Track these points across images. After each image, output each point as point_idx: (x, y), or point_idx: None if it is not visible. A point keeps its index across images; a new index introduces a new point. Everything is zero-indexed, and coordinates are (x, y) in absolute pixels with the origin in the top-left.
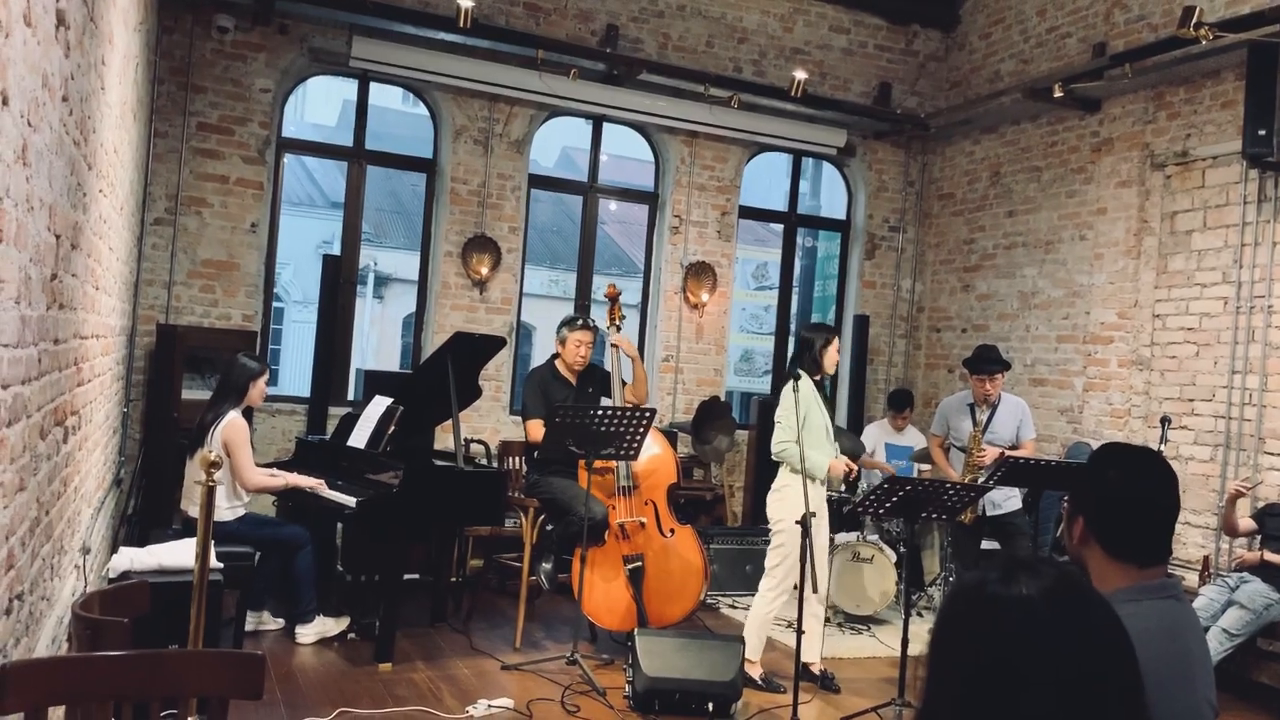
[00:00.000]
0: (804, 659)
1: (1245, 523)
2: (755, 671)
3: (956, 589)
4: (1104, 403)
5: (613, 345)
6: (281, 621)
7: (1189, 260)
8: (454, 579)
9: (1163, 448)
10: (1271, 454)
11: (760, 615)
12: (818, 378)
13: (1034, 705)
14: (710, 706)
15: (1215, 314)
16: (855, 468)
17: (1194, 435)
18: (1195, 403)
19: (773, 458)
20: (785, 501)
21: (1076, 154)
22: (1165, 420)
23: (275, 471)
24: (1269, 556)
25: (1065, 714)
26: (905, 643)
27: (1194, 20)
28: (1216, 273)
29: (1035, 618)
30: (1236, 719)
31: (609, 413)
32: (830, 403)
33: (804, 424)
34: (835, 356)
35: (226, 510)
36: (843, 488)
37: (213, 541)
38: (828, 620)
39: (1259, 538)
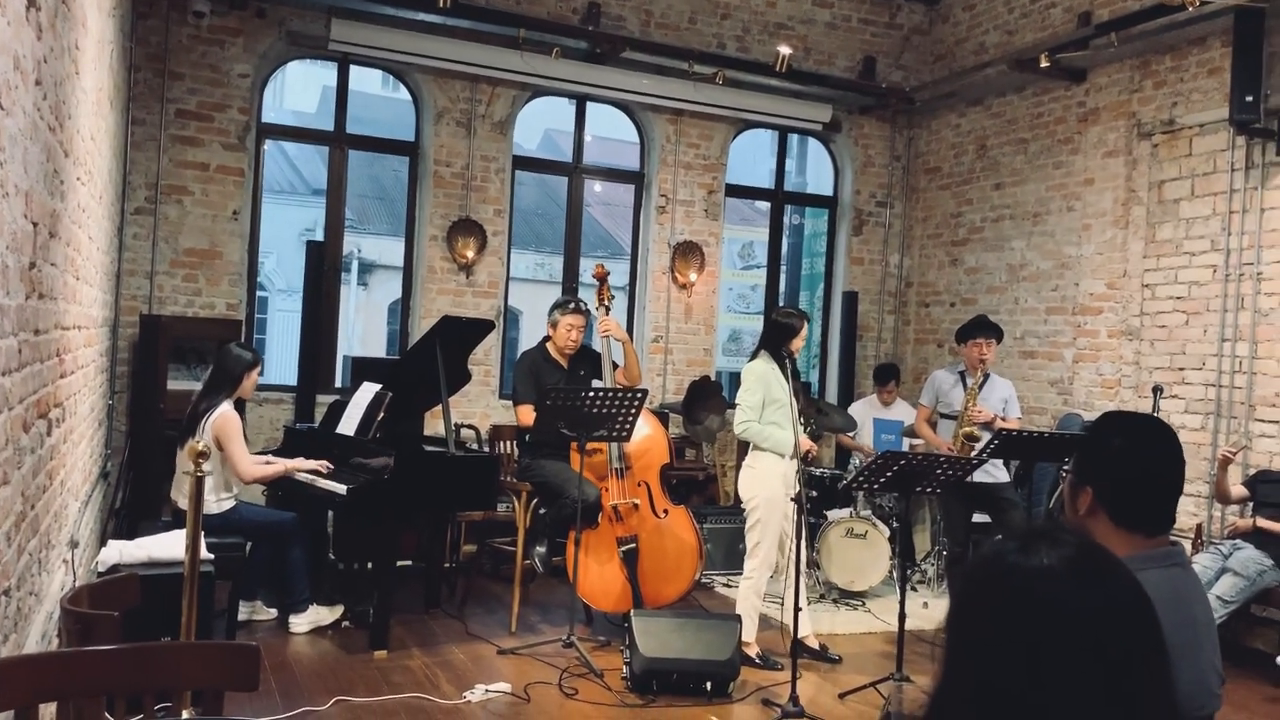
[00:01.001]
0: (799, 633)
1: (1237, 489)
2: (752, 651)
3: (975, 562)
4: (1094, 374)
5: (602, 332)
6: (275, 612)
7: (1177, 229)
8: (447, 565)
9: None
10: (1262, 421)
11: (749, 595)
12: (784, 358)
13: (1059, 675)
14: (708, 686)
15: (1204, 282)
16: (815, 447)
17: (1185, 404)
18: (1186, 371)
19: (737, 436)
20: (756, 479)
21: (1063, 125)
22: (1157, 390)
23: (271, 459)
24: (1262, 523)
25: (1092, 682)
26: (902, 618)
27: None
28: (1205, 241)
29: (1058, 587)
30: (1232, 685)
31: (601, 394)
32: (800, 379)
33: (766, 403)
34: (800, 343)
35: (216, 501)
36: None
37: (203, 532)
38: (823, 597)
39: (1251, 504)
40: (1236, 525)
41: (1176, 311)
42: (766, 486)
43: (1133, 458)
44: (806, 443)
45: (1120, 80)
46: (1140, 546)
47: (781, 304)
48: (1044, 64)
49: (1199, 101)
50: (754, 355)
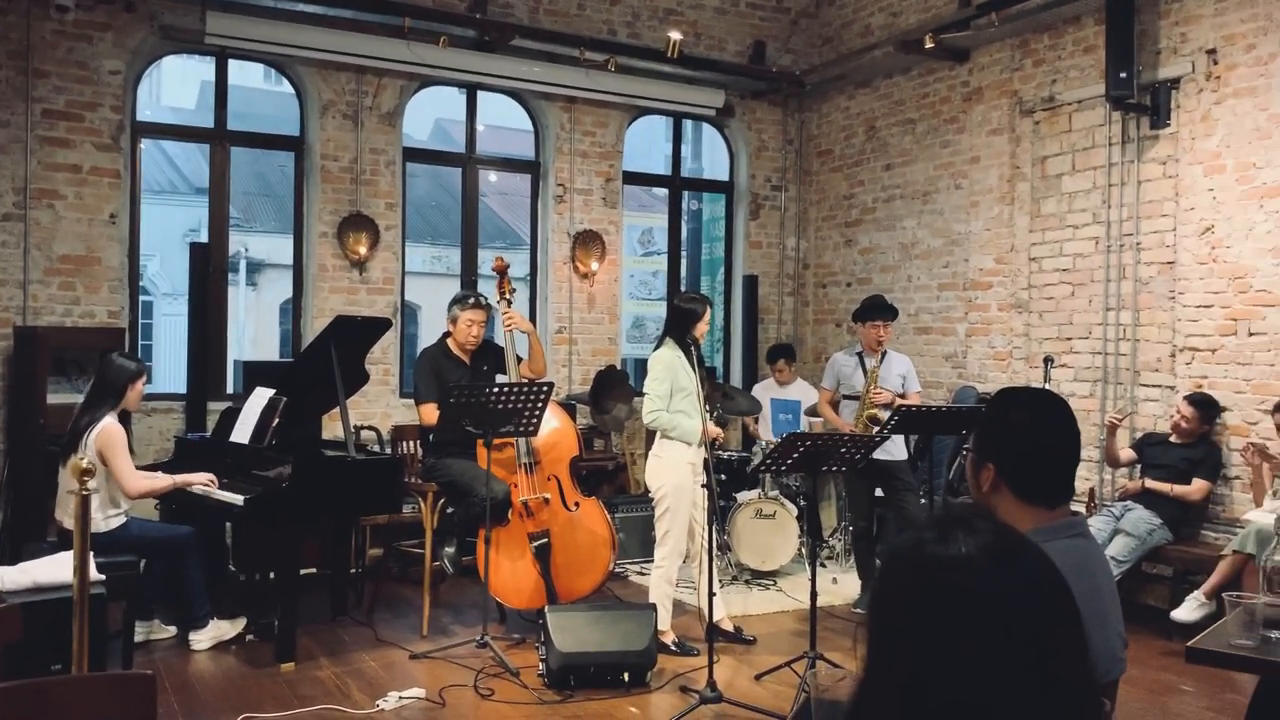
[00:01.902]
0: (714, 618)
1: (1125, 453)
2: (668, 639)
3: (894, 552)
4: (986, 346)
5: (505, 323)
6: (174, 629)
7: (1060, 203)
8: (353, 570)
9: (1047, 386)
10: (1146, 385)
11: (661, 584)
12: (689, 345)
13: (983, 661)
14: (626, 677)
15: (1087, 254)
16: (721, 433)
17: (1074, 373)
18: (1073, 341)
19: (647, 426)
20: (663, 468)
21: (948, 104)
22: (1048, 360)
23: (159, 475)
24: (1150, 484)
25: (1015, 664)
26: (813, 595)
27: None
28: (1087, 214)
29: (977, 575)
30: (1128, 641)
31: (505, 389)
32: (705, 365)
33: (674, 391)
34: (704, 327)
35: (104, 519)
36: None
37: (92, 553)
38: (735, 579)
39: (1139, 466)
40: (1126, 487)
41: (1063, 283)
42: (674, 475)
43: (1031, 432)
44: (714, 430)
45: (1002, 59)
46: (1044, 519)
47: (684, 289)
48: (928, 45)
49: (1076, 79)
50: (659, 343)
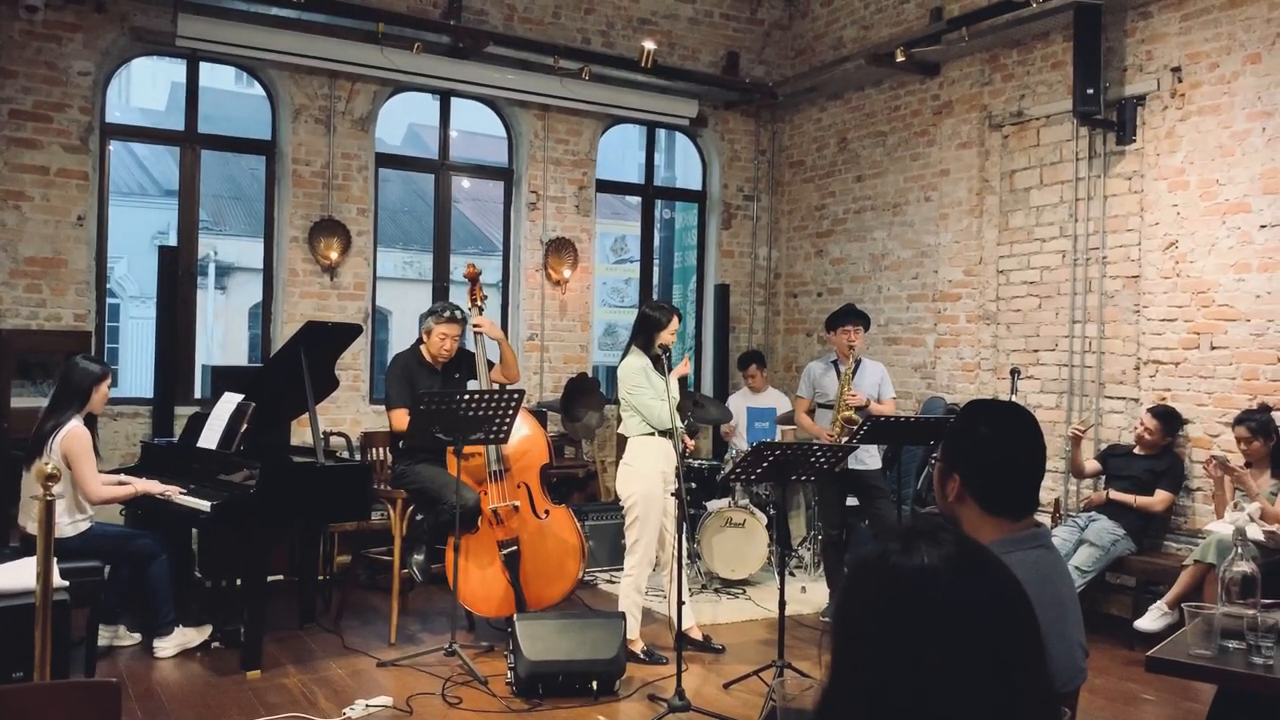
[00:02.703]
0: (683, 626)
1: (1090, 464)
2: (636, 647)
3: (858, 563)
4: (955, 357)
5: (475, 329)
6: (138, 636)
7: (1028, 216)
8: (321, 577)
9: (1013, 398)
10: (1111, 398)
11: (630, 592)
12: (654, 354)
13: (945, 671)
14: (594, 685)
15: (1054, 267)
16: (694, 444)
17: (1040, 384)
18: (1040, 353)
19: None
20: (634, 477)
21: (919, 117)
22: (1015, 371)
23: (124, 478)
24: (1114, 495)
25: (976, 675)
26: (782, 604)
27: None
28: (1054, 227)
29: (940, 585)
30: (1092, 651)
31: (476, 397)
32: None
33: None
34: (670, 337)
35: (69, 524)
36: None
37: (55, 559)
38: (704, 587)
39: (1104, 478)
40: (1091, 498)
41: (1030, 296)
42: (644, 483)
43: (996, 445)
44: (687, 441)
45: (971, 74)
46: (1007, 530)
47: (655, 297)
48: (899, 58)
49: (1044, 94)
50: (625, 352)
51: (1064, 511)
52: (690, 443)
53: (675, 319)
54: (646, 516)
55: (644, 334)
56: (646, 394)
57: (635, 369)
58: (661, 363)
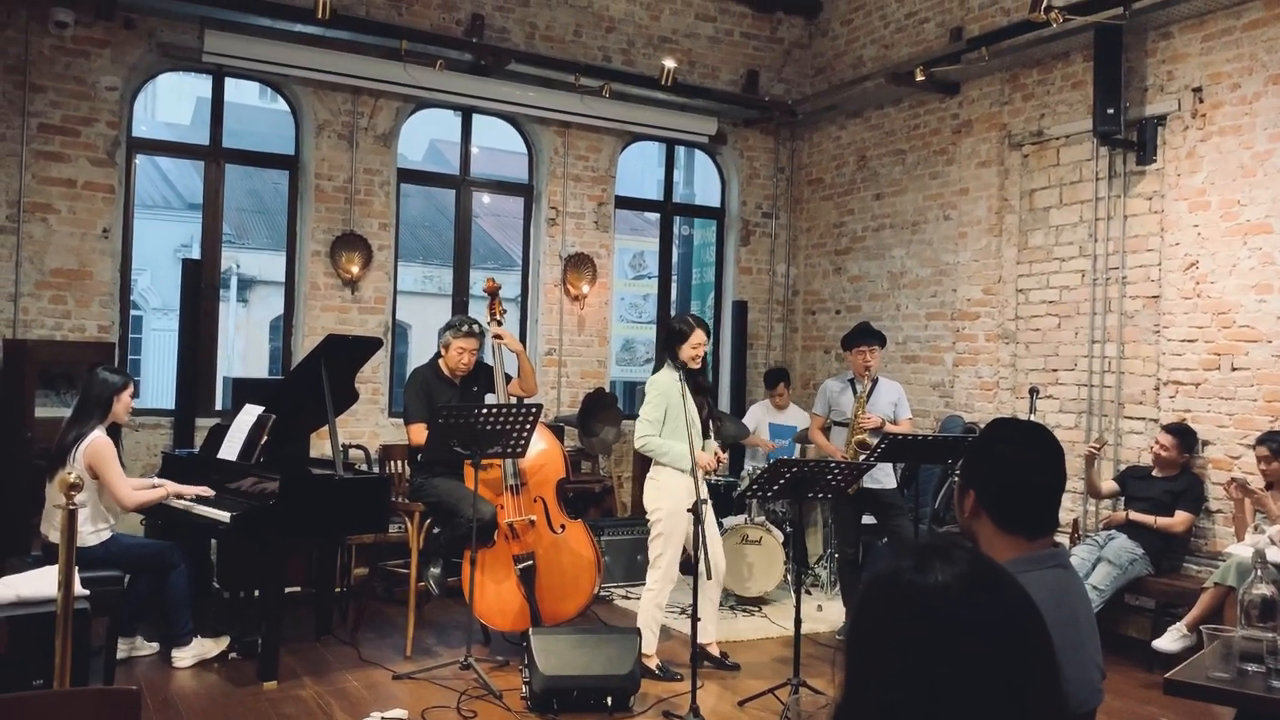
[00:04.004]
0: (700, 641)
1: (1107, 484)
2: (652, 663)
3: (872, 580)
4: (974, 376)
5: (495, 339)
6: (156, 646)
7: (1048, 236)
8: (338, 590)
9: (1032, 417)
10: (1130, 418)
11: (649, 608)
12: (682, 369)
13: (958, 689)
14: (609, 701)
15: (1074, 286)
16: (720, 461)
17: (1059, 404)
18: (1059, 372)
19: (637, 450)
20: (659, 491)
21: (938, 136)
22: (1034, 391)
23: (155, 480)
24: (1134, 516)
25: (988, 693)
26: (798, 622)
27: (1044, 4)
28: (1074, 247)
29: (952, 604)
30: (1110, 674)
31: (494, 411)
32: (708, 391)
33: (666, 416)
34: (691, 351)
35: (91, 533)
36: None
37: (77, 567)
38: (720, 604)
39: (1123, 499)
40: (1110, 518)
41: (1049, 315)
42: (670, 499)
43: (1013, 463)
44: (706, 459)
45: (991, 93)
46: (1023, 549)
47: (674, 313)
48: (919, 77)
49: (1065, 113)
50: (656, 365)
51: (1083, 532)
52: (721, 456)
53: (698, 332)
54: (670, 533)
55: (668, 348)
56: (661, 431)
57: (659, 388)
58: (692, 379)
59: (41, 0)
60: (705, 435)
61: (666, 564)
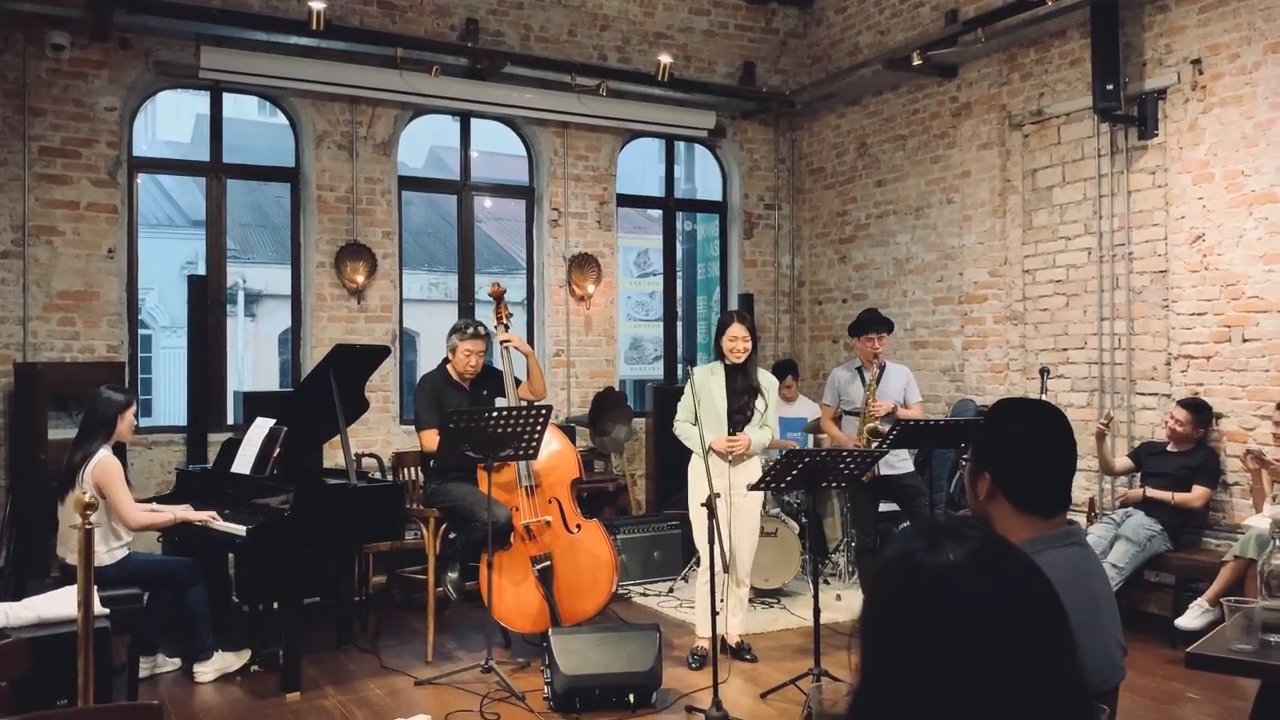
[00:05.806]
0: (718, 632)
1: (1121, 461)
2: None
3: (884, 562)
4: (983, 359)
5: (503, 343)
6: (178, 661)
7: (1052, 215)
8: (357, 598)
9: (1043, 397)
10: (1142, 394)
11: (701, 597)
12: (725, 363)
13: (973, 669)
14: (631, 698)
15: (1081, 265)
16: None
17: (1070, 383)
18: (1069, 351)
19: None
20: (689, 484)
21: (938, 120)
22: (1044, 371)
23: (157, 507)
24: (1151, 493)
25: (1005, 672)
26: (817, 612)
27: None
28: (1079, 225)
29: (962, 583)
30: (1132, 651)
31: (504, 413)
32: (744, 388)
33: (699, 405)
34: (729, 343)
35: (105, 553)
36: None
37: (95, 587)
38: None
39: (1139, 475)
40: (1127, 495)
41: (1057, 294)
42: (694, 491)
43: (1026, 443)
44: (721, 443)
45: (989, 74)
46: (1039, 528)
47: (680, 310)
48: (916, 62)
49: (1064, 91)
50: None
51: (1099, 510)
52: (724, 444)
53: (734, 325)
54: (696, 524)
55: (716, 340)
56: (680, 416)
57: (693, 378)
58: (730, 371)
59: (37, 24)
60: (736, 428)
61: (704, 555)
